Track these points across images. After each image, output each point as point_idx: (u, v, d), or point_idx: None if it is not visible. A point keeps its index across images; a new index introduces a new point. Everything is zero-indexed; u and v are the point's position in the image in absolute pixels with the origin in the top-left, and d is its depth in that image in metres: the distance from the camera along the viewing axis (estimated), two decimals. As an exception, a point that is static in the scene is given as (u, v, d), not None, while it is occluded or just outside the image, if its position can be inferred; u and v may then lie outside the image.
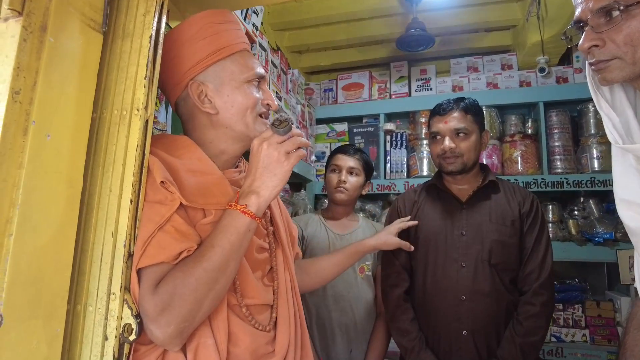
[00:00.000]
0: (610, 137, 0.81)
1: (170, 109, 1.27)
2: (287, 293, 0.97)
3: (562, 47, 2.60)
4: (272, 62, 2.22)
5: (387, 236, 1.44)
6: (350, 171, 1.74)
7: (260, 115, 0.94)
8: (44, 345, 0.63)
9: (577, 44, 0.80)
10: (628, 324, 0.94)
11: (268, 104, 0.95)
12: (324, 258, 1.32)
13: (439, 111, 1.58)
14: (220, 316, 0.81)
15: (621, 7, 0.71)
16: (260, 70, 0.95)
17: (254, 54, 1.90)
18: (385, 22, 2.80)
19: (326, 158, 2.84)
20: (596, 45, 0.76)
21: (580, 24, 0.79)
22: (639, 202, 0.78)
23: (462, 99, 1.58)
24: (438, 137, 1.56)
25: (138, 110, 0.76)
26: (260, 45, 2.01)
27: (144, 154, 0.76)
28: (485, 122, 2.48)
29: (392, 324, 1.55)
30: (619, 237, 2.17)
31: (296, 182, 2.72)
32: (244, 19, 1.81)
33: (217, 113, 0.90)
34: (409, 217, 1.53)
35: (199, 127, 0.93)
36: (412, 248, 1.47)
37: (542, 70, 2.56)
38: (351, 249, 1.37)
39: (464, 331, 1.44)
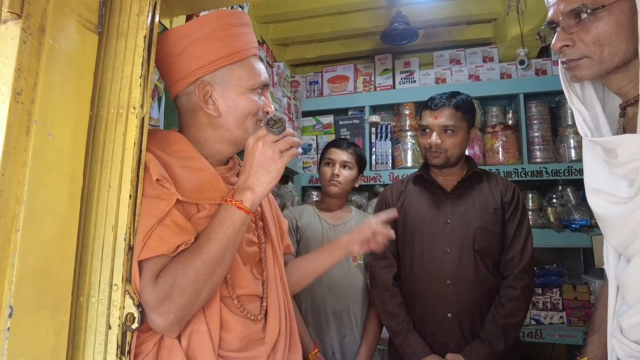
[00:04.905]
0: (580, 131, 0.87)
1: (162, 105, 1.28)
2: (276, 285, 1.00)
3: (540, 40, 2.67)
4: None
5: (362, 227, 1.25)
6: (344, 165, 1.79)
7: (260, 121, 0.96)
8: (51, 335, 0.66)
9: (551, 43, 0.85)
10: (597, 302, 1.02)
11: (267, 112, 0.97)
12: (313, 258, 1.24)
13: (430, 105, 1.62)
14: (213, 304, 0.85)
15: (589, 10, 0.77)
16: (266, 77, 0.97)
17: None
18: (369, 15, 2.83)
19: (312, 150, 2.90)
20: (567, 45, 0.81)
21: (552, 25, 0.84)
22: (606, 191, 0.84)
23: (455, 94, 1.62)
24: (427, 130, 1.61)
25: (134, 108, 0.78)
26: (246, 39, 2.02)
27: (141, 151, 0.79)
28: (468, 114, 2.55)
29: (381, 307, 1.62)
30: (594, 224, 2.26)
31: (283, 175, 2.74)
32: (230, 13, 1.82)
33: (219, 115, 0.92)
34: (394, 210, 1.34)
35: (197, 124, 0.94)
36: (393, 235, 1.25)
37: (522, 62, 2.63)
38: (331, 245, 1.25)
39: (449, 314, 1.52)
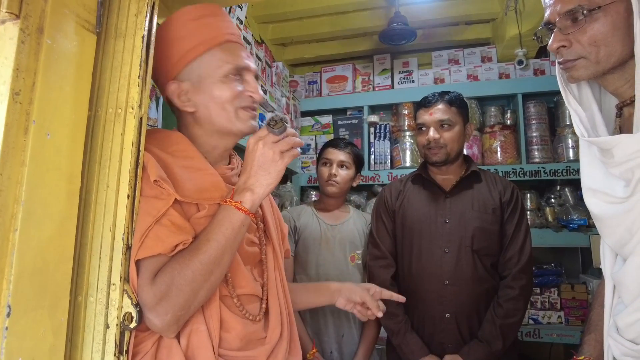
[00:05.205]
0: (577, 131, 0.88)
1: (160, 105, 1.29)
2: (276, 287, 1.00)
3: (539, 40, 2.68)
4: (257, 55, 2.24)
5: (356, 287, 1.21)
6: (341, 164, 1.79)
7: (245, 108, 0.93)
8: (50, 334, 0.66)
9: (547, 44, 0.85)
10: (594, 301, 1.02)
11: (250, 95, 0.93)
12: (302, 292, 1.23)
13: (424, 103, 1.64)
14: (213, 304, 0.85)
15: (585, 11, 0.77)
16: (242, 61, 0.93)
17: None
18: (368, 15, 2.84)
19: (311, 150, 2.90)
20: (564, 46, 0.82)
21: (549, 26, 0.85)
22: (603, 190, 0.84)
23: (447, 92, 1.65)
24: (423, 128, 1.62)
25: (133, 108, 0.78)
26: (244, 38, 2.03)
27: (139, 151, 0.79)
28: (466, 114, 2.56)
29: (379, 307, 1.62)
30: (592, 223, 2.26)
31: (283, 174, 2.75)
32: (229, 13, 1.83)
33: (197, 111, 0.91)
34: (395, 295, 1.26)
35: (187, 124, 0.95)
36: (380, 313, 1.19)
37: (520, 62, 2.64)
38: (320, 286, 1.26)
39: (447, 314, 1.52)
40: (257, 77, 0.98)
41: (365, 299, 1.17)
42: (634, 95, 0.78)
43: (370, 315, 1.19)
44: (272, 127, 0.85)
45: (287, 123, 0.86)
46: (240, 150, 1.00)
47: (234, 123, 0.91)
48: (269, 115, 0.88)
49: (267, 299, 0.97)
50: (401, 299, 1.25)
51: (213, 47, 0.91)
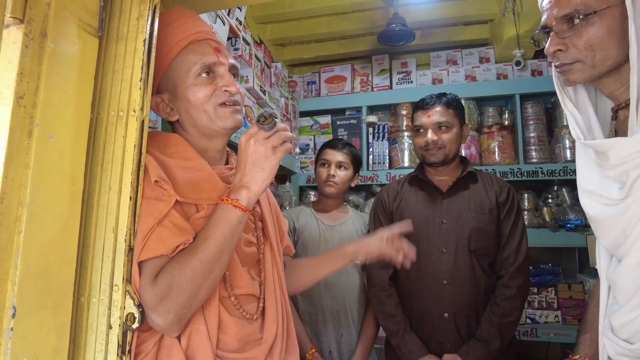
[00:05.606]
0: (573, 134, 0.89)
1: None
2: (274, 286, 1.01)
3: (536, 41, 2.69)
4: (256, 56, 2.24)
5: (371, 240, 1.22)
6: (339, 165, 1.80)
7: (223, 104, 0.93)
8: (53, 335, 0.67)
9: (544, 47, 0.87)
10: (589, 301, 1.03)
11: (226, 90, 0.93)
12: (314, 263, 1.24)
13: (422, 105, 1.65)
14: (212, 304, 0.86)
15: (581, 16, 0.78)
16: (209, 58, 0.93)
17: (233, 46, 1.90)
18: (366, 16, 2.85)
19: (310, 150, 2.91)
20: (560, 50, 0.83)
21: (546, 30, 0.86)
22: (598, 192, 0.86)
23: (444, 94, 1.66)
24: (421, 130, 1.64)
25: (134, 111, 0.79)
26: (243, 39, 2.03)
27: (140, 153, 0.80)
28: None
29: (377, 307, 1.64)
30: (589, 223, 2.28)
31: (281, 174, 2.76)
32: (228, 14, 1.83)
33: (180, 117, 0.94)
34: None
35: (177, 130, 0.98)
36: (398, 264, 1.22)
37: (518, 63, 2.65)
38: (336, 252, 1.23)
39: (446, 313, 1.53)
40: (233, 68, 0.98)
41: (382, 248, 1.17)
42: (629, 99, 0.79)
43: (399, 263, 1.19)
44: (262, 124, 0.84)
45: (276, 118, 0.85)
46: (237, 149, 1.01)
47: (215, 122, 0.93)
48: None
49: (264, 298, 0.98)
50: (408, 227, 1.24)
51: (179, 52, 0.93)
